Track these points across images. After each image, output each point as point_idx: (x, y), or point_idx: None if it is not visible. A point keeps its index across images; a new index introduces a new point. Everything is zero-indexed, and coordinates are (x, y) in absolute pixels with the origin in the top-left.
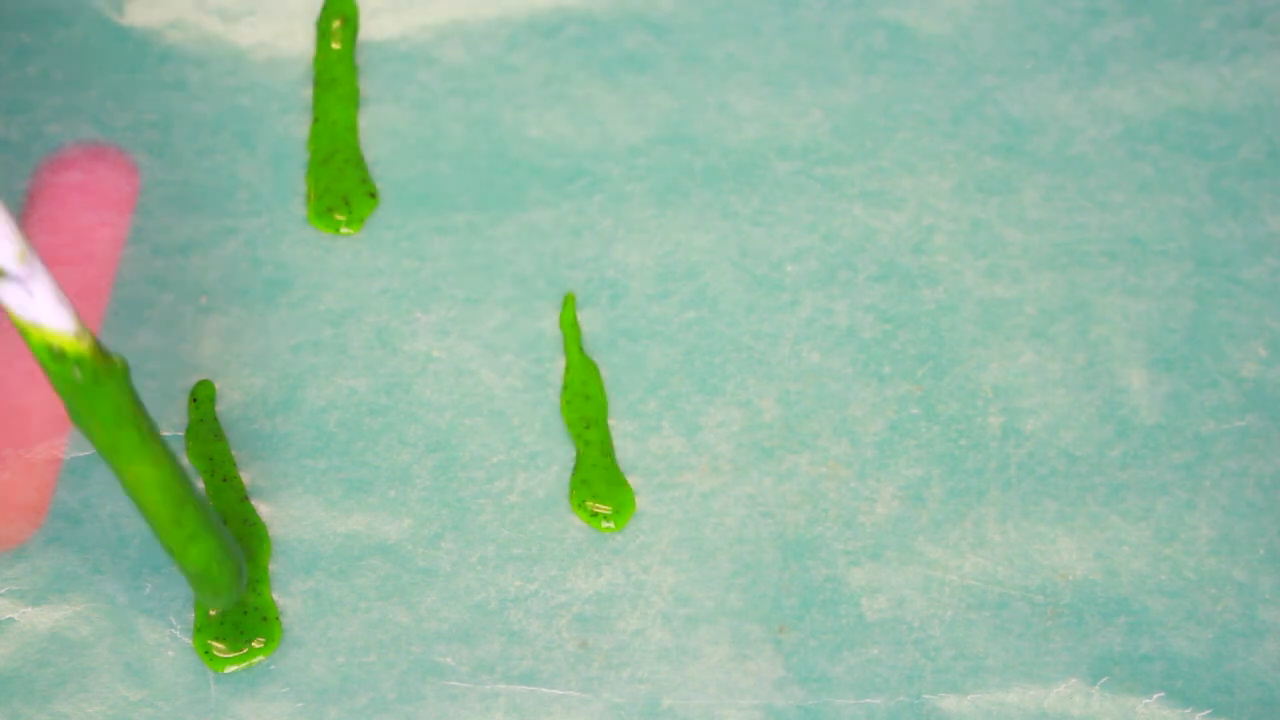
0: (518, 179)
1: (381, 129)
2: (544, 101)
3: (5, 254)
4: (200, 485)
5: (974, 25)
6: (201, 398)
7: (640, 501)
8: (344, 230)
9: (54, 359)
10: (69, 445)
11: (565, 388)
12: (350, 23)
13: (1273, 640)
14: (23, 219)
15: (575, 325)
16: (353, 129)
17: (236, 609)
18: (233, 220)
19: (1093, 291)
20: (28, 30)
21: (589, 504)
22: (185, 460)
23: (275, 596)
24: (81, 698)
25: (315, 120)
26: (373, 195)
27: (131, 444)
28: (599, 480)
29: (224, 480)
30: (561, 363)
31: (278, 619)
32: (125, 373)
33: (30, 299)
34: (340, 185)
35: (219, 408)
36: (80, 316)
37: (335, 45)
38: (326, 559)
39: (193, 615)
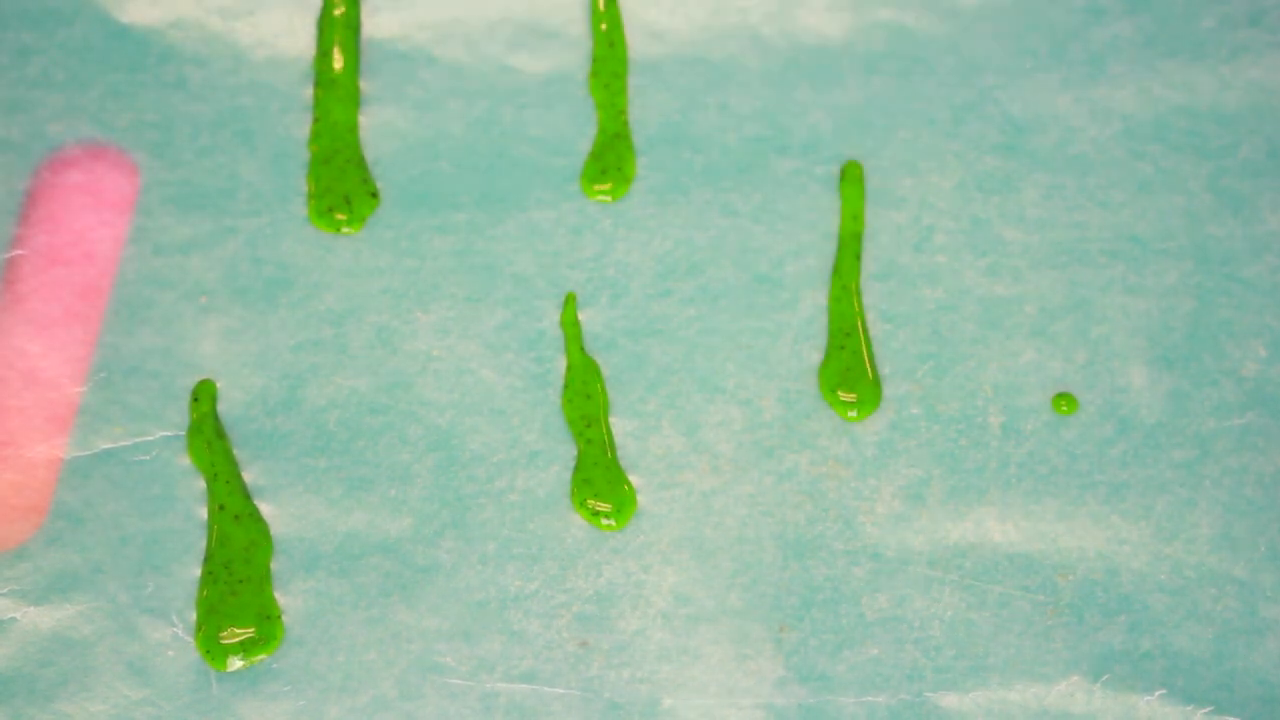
0: (518, 179)
1: (382, 129)
2: (544, 101)
3: None
4: (201, 485)
5: (974, 25)
6: (203, 397)
7: (641, 500)
8: (345, 230)
9: None
10: (69, 445)
11: (566, 386)
12: (351, 23)
13: (1273, 638)
14: (23, 218)
15: (576, 325)
16: (353, 129)
17: None
18: (233, 220)
19: (1093, 290)
20: (28, 30)
21: (590, 502)
22: (186, 459)
23: (277, 595)
24: (84, 697)
25: (316, 120)
26: (373, 195)
27: None
28: (600, 479)
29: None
30: (562, 362)
31: (279, 618)
32: None
33: None
34: (341, 185)
35: (220, 407)
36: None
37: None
38: (327, 558)
39: (194, 614)
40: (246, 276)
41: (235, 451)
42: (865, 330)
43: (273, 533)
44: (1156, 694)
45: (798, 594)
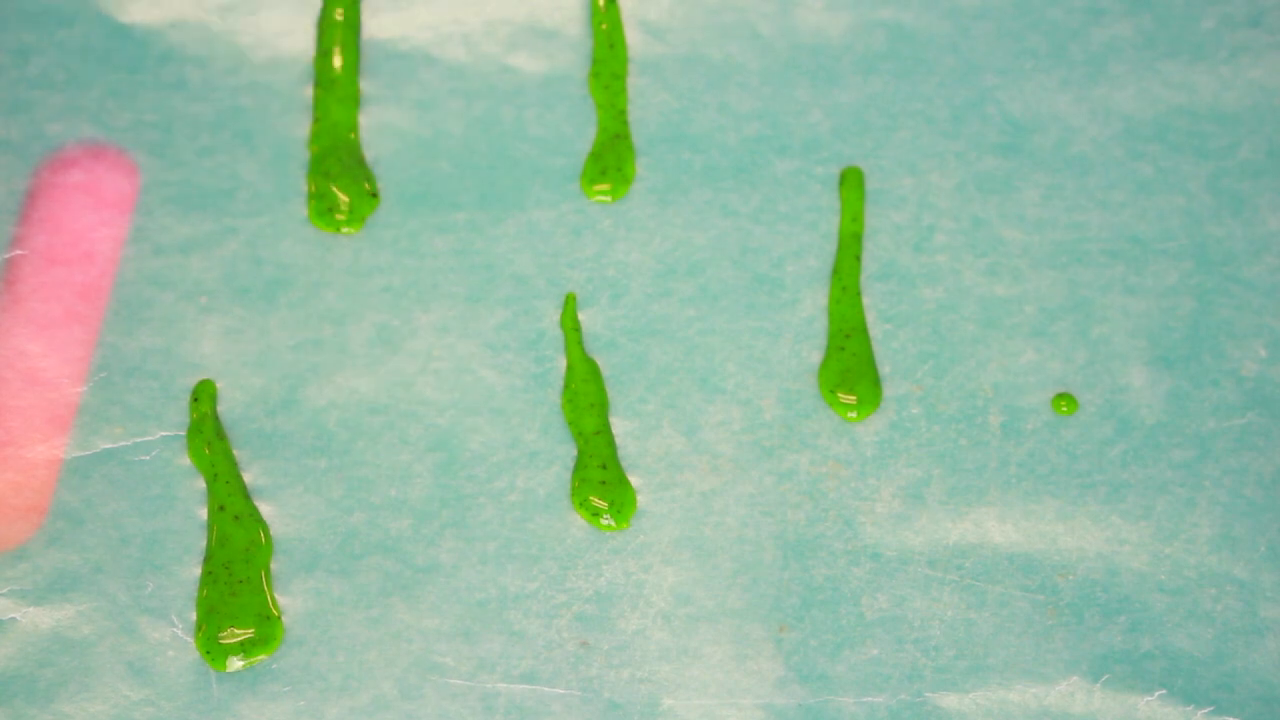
0: (518, 179)
1: (382, 129)
2: (544, 101)
3: None
4: (201, 485)
5: (974, 25)
6: (203, 397)
7: (641, 500)
8: (344, 230)
9: None
10: (69, 445)
11: (566, 386)
12: (351, 23)
13: (1273, 638)
14: (23, 218)
15: (576, 325)
16: (353, 129)
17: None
18: (233, 220)
19: (1093, 290)
20: (29, 30)
21: (591, 500)
22: (186, 459)
23: (277, 595)
24: (84, 697)
25: (316, 120)
26: (373, 195)
27: None
28: (600, 478)
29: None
30: (562, 362)
31: (279, 618)
32: None
33: None
34: (341, 185)
35: (220, 407)
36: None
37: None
38: (327, 557)
39: (194, 614)
40: (246, 276)
41: (235, 452)
42: (865, 332)
43: (273, 533)
44: (1156, 694)
45: (798, 594)
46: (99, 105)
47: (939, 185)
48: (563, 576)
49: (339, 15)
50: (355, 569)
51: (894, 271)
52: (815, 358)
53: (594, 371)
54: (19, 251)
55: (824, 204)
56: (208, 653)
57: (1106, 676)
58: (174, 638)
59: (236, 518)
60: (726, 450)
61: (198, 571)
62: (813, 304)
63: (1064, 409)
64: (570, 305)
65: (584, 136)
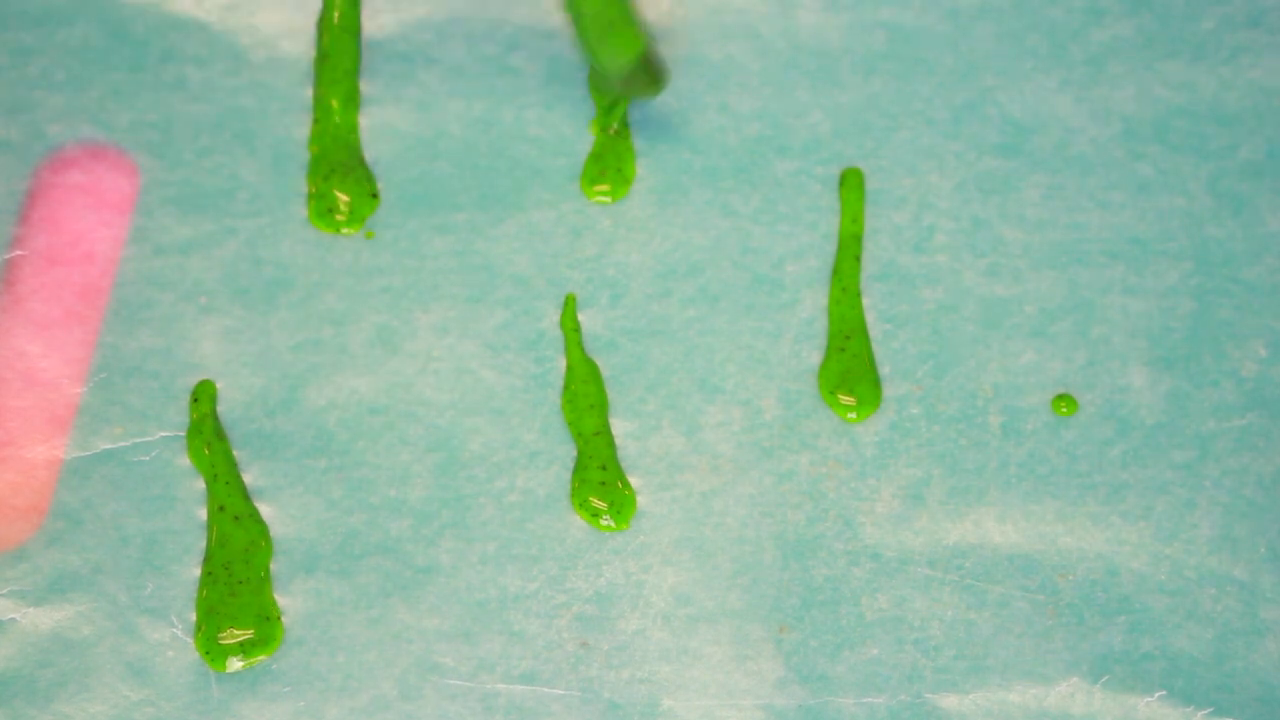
0: (518, 179)
1: (382, 129)
2: (544, 101)
3: None
4: (200, 485)
5: (974, 25)
6: (202, 397)
7: (640, 501)
8: (344, 230)
9: None
10: (69, 445)
11: (566, 387)
12: (351, 23)
13: (1273, 639)
14: (23, 219)
15: (576, 325)
16: (353, 129)
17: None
18: (233, 220)
19: (1093, 291)
20: (29, 30)
21: (591, 500)
22: (186, 460)
23: (277, 596)
24: (83, 698)
25: (316, 120)
26: (373, 195)
27: None
28: (600, 479)
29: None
30: (562, 362)
31: (279, 618)
32: None
33: None
34: (341, 185)
35: (220, 407)
36: None
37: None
38: (327, 558)
39: (194, 615)
40: (246, 276)
41: (235, 452)
42: (865, 333)
43: (272, 533)
44: (1156, 695)
45: (798, 594)
46: (99, 105)
47: (939, 185)
48: (562, 577)
49: (339, 15)
50: (355, 569)
51: (894, 271)
52: (815, 358)
53: (594, 372)
54: (19, 252)
55: (824, 204)
56: (207, 653)
57: (1106, 677)
58: (174, 638)
59: (236, 518)
60: (726, 450)
61: (197, 572)
62: (813, 304)
63: (1064, 410)
64: (570, 306)
65: (584, 137)
